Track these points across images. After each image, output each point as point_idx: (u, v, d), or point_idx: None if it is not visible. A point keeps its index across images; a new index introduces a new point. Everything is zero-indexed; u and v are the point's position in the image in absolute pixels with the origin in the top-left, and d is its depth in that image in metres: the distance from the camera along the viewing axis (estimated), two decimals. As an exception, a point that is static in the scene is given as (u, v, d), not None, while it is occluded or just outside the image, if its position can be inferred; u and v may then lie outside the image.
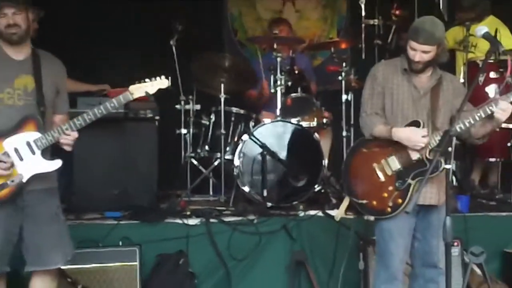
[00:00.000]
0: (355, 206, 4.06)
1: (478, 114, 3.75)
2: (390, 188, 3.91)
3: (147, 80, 3.81)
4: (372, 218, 4.36)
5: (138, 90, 3.77)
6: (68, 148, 3.70)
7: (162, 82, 3.84)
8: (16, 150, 3.59)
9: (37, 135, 3.62)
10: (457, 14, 5.99)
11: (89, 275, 4.51)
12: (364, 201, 3.98)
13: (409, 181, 3.87)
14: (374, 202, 3.96)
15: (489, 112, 3.73)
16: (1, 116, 3.62)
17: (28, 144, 3.61)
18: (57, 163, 3.69)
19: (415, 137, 3.83)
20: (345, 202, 4.07)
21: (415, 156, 3.87)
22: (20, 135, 3.61)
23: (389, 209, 3.91)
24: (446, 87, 3.98)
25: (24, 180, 3.61)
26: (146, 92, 3.80)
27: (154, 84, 3.82)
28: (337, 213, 4.19)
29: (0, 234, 3.60)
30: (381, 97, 3.99)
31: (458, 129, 3.72)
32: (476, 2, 5.90)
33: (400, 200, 3.89)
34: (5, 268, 3.68)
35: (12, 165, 3.59)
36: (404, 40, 4.00)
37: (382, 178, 3.94)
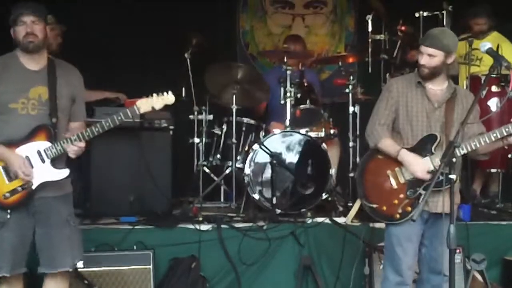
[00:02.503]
0: (364, 210, 4.09)
1: (494, 135, 3.79)
2: (401, 195, 3.95)
3: (154, 94, 3.80)
4: (377, 225, 4.47)
5: (145, 104, 3.78)
6: (72, 156, 3.71)
7: (168, 98, 3.83)
8: (27, 157, 3.65)
9: (47, 144, 3.67)
10: (473, 20, 6.06)
11: (105, 277, 4.58)
12: (374, 205, 4.02)
13: (421, 191, 3.89)
14: (384, 207, 4.00)
15: (505, 134, 3.78)
16: (14, 125, 3.66)
17: (39, 152, 3.66)
18: (64, 172, 3.73)
19: (418, 169, 3.89)
20: (356, 205, 4.13)
21: (429, 167, 3.89)
22: (31, 143, 3.66)
23: (398, 216, 3.95)
24: (460, 101, 4.01)
25: (33, 187, 3.66)
26: (153, 107, 3.80)
27: (160, 100, 3.80)
28: (348, 216, 4.23)
29: (14, 237, 3.67)
30: (393, 110, 4.02)
31: (474, 147, 3.80)
32: (490, 11, 6.02)
33: (409, 208, 3.92)
34: (22, 269, 3.75)
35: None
36: (410, 55, 4.11)
37: (394, 185, 3.98)
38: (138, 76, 6.33)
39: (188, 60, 5.85)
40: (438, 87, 4.02)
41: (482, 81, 5.60)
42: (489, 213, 5.61)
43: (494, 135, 3.80)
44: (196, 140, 5.86)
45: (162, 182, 5.32)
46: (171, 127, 5.43)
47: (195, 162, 5.93)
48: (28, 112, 3.68)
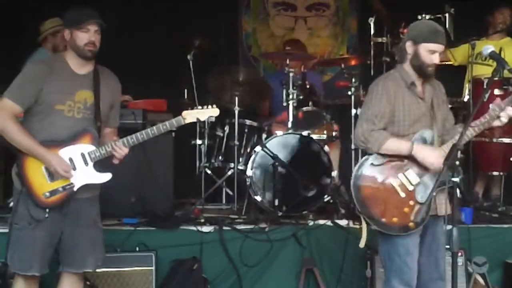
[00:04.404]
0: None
1: (486, 120, 3.74)
2: (411, 202, 3.74)
3: (199, 107, 3.90)
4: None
5: (190, 115, 3.87)
6: (116, 161, 3.79)
7: (213, 111, 3.94)
8: (70, 160, 3.71)
9: (92, 148, 3.73)
10: (499, 10, 6.17)
11: (107, 278, 4.58)
12: (383, 220, 3.77)
13: (432, 193, 3.63)
14: (395, 219, 3.75)
15: (495, 117, 3.73)
16: (59, 126, 3.71)
17: (83, 155, 3.73)
18: (107, 176, 3.81)
19: (436, 160, 3.66)
20: (364, 227, 3.87)
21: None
22: (76, 146, 3.72)
23: (411, 224, 3.74)
24: (436, 93, 3.92)
25: (75, 189, 3.72)
26: (198, 119, 3.88)
27: (205, 111, 3.91)
28: (361, 241, 3.94)
29: (46, 237, 3.71)
30: (388, 113, 3.79)
31: (467, 138, 3.70)
32: None
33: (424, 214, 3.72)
34: (46, 270, 3.77)
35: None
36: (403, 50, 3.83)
37: (402, 194, 3.75)
38: (141, 78, 6.29)
39: (191, 62, 5.87)
40: (419, 82, 3.88)
41: (485, 84, 5.60)
42: (490, 216, 5.59)
43: (485, 123, 3.76)
44: (198, 141, 5.89)
45: (164, 184, 5.32)
46: (173, 128, 5.41)
47: (197, 164, 5.96)
48: (74, 115, 3.73)
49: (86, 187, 3.78)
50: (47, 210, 3.68)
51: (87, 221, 3.82)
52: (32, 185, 3.69)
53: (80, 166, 3.73)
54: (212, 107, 3.92)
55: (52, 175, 3.69)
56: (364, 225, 3.88)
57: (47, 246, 3.73)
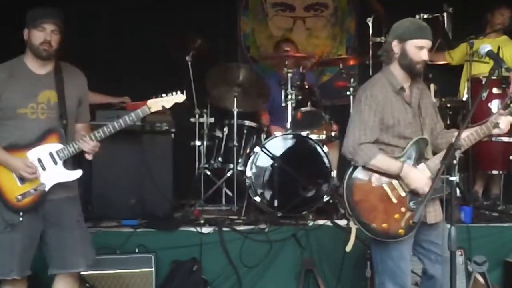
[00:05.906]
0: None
1: (483, 131, 3.69)
2: (403, 209, 3.67)
3: (163, 95, 3.87)
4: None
5: (156, 104, 3.84)
6: (89, 157, 3.76)
7: (178, 97, 3.91)
8: (39, 160, 3.69)
9: (59, 146, 3.71)
10: (498, 10, 6.18)
11: (107, 280, 4.58)
12: (374, 225, 3.68)
13: (425, 200, 3.43)
14: (385, 225, 3.67)
15: (492, 128, 3.66)
16: (24, 129, 3.69)
17: (51, 155, 3.70)
18: (77, 173, 3.79)
19: (423, 184, 3.61)
20: (353, 231, 3.82)
21: (427, 173, 3.69)
22: (43, 146, 3.70)
23: (401, 231, 3.66)
24: (423, 97, 3.83)
25: (47, 189, 3.70)
26: (163, 107, 3.86)
27: (170, 99, 3.89)
28: (348, 245, 3.91)
29: (23, 240, 3.68)
30: (378, 122, 3.68)
31: (466, 146, 3.68)
32: None
33: (413, 221, 3.59)
34: (27, 272, 3.76)
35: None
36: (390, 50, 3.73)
37: (394, 199, 3.67)
38: (139, 79, 6.31)
39: (189, 63, 5.87)
40: (407, 85, 3.78)
41: (483, 83, 5.60)
42: (490, 215, 5.59)
43: (483, 131, 3.69)
44: (198, 143, 5.89)
45: (164, 185, 5.33)
46: (173, 130, 5.43)
47: (197, 165, 5.95)
48: (38, 117, 3.71)
49: (61, 187, 3.75)
50: (21, 213, 3.66)
51: (70, 222, 3.80)
52: (3, 190, 3.68)
53: (49, 165, 3.71)
54: (177, 93, 3.90)
55: (22, 178, 3.68)
56: (353, 228, 3.83)
57: (27, 249, 3.72)
